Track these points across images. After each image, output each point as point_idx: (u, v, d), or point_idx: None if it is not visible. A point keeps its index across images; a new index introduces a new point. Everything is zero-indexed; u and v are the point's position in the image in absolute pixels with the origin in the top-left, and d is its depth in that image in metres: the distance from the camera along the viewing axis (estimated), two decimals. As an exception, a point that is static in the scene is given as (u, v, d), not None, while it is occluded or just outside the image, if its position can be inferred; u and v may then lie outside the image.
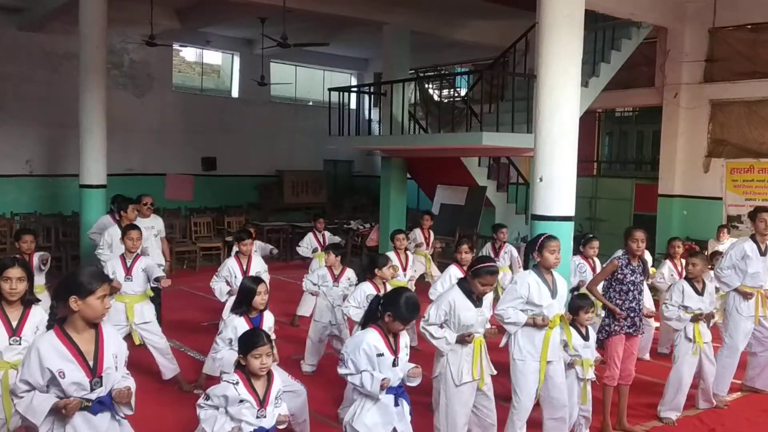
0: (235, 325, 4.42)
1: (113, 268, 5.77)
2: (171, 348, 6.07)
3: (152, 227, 7.60)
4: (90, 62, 10.04)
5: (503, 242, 8.20)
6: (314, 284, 6.43)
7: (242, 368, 3.45)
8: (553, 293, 4.55)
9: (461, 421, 4.24)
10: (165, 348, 5.92)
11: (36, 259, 5.94)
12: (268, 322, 4.59)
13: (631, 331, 5.12)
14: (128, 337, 5.54)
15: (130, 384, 3.19)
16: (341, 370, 3.62)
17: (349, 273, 6.42)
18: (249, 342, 3.45)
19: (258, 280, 4.64)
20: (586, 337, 4.91)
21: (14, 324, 3.79)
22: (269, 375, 3.51)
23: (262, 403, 3.40)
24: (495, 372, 4.47)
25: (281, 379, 4.15)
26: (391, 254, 6.86)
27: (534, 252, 4.58)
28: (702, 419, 5.56)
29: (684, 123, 11.04)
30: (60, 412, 2.98)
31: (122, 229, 6.14)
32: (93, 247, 7.57)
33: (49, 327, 3.13)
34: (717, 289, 6.17)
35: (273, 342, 3.70)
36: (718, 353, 5.82)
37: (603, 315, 5.26)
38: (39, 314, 3.85)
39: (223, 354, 4.43)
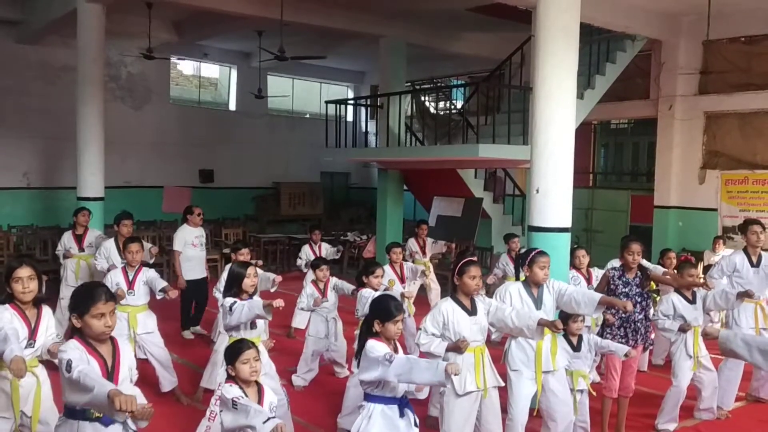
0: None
1: (115, 279, 5.84)
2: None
3: (202, 236, 8.32)
4: (87, 75, 10.05)
5: (517, 251, 8.20)
6: (304, 306, 6.45)
7: (233, 379, 3.44)
8: (538, 305, 4.58)
9: None
10: (166, 360, 5.93)
11: None
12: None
13: (623, 342, 5.08)
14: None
15: (136, 394, 3.07)
16: (362, 376, 3.54)
17: (333, 281, 6.49)
18: (234, 350, 3.48)
19: (247, 264, 4.84)
20: (577, 348, 4.93)
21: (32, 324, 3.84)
22: (260, 388, 3.50)
23: None
24: (502, 383, 4.42)
25: (272, 384, 4.15)
26: (387, 268, 6.86)
27: (524, 266, 4.63)
28: (700, 430, 5.56)
29: (679, 135, 11.10)
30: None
31: (122, 243, 6.21)
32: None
33: (69, 338, 3.11)
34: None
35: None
36: (720, 366, 5.77)
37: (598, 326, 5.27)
38: (48, 315, 3.94)
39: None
